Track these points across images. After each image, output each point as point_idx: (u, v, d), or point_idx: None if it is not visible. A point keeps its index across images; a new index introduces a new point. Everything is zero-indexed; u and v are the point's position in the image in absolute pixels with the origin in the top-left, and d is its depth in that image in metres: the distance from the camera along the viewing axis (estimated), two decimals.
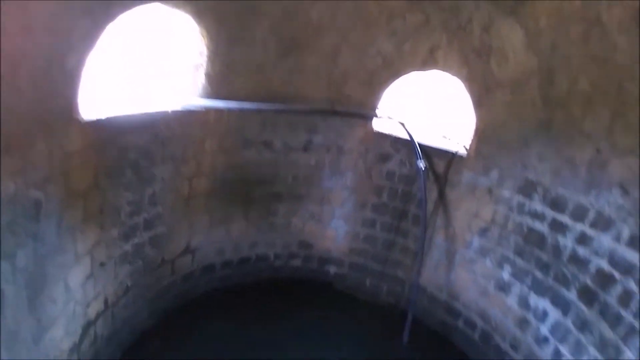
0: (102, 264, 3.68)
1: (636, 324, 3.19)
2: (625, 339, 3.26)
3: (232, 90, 4.42)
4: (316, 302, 5.78)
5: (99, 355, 3.77)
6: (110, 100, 3.51)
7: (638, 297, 3.24)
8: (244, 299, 5.41)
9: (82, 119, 3.01)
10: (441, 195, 5.25)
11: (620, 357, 3.25)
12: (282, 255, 5.87)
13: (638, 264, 3.29)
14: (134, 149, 3.71)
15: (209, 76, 4.25)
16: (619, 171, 3.52)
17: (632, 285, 3.29)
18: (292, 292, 5.77)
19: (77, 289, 3.36)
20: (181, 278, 4.92)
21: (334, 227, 5.90)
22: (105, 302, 3.82)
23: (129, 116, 3.52)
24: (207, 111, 4.31)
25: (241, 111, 4.60)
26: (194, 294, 5.17)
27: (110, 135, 3.40)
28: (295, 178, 5.51)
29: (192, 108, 4.12)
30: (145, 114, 3.71)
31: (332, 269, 6.04)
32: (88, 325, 3.56)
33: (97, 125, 3.19)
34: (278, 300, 5.57)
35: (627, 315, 3.28)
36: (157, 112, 3.83)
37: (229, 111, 4.52)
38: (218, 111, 4.44)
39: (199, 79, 4.28)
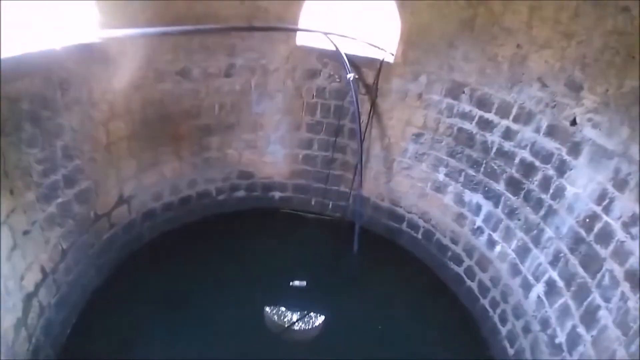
0: (25, 232, 3.34)
1: (554, 204, 3.56)
2: (545, 218, 3.67)
3: (131, 16, 3.83)
4: (266, 228, 5.87)
5: (52, 324, 3.60)
6: None
7: (554, 180, 3.58)
8: (193, 238, 5.33)
9: None
10: (373, 106, 5.23)
11: (542, 236, 3.68)
12: (224, 188, 5.73)
13: (555, 151, 3.58)
14: (27, 98, 3.18)
15: (100, 3, 3.62)
16: (538, 65, 3.66)
17: (550, 171, 3.62)
18: (240, 223, 5.77)
19: (2, 264, 3.06)
20: (121, 229, 4.68)
21: (271, 153, 5.78)
22: (42, 270, 3.54)
23: (9, 60, 2.95)
24: (105, 44, 3.74)
25: (145, 39, 4.06)
26: (139, 242, 4.99)
27: None
28: (222, 107, 5.18)
29: (87, 42, 3.55)
30: (31, 55, 3.12)
31: (277, 194, 6.06)
32: (28, 297, 3.32)
33: None
34: (228, 234, 5.56)
35: (546, 198, 3.66)
36: (45, 52, 3.25)
37: (132, 41, 3.97)
38: (119, 42, 3.88)
39: (90, 8, 3.64)
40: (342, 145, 5.65)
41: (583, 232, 3.20)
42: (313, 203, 6.12)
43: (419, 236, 5.40)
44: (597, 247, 3.04)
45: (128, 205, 4.70)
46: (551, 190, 3.61)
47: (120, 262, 4.69)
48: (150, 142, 4.71)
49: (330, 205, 6.09)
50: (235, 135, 5.47)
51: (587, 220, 3.16)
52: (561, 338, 3.30)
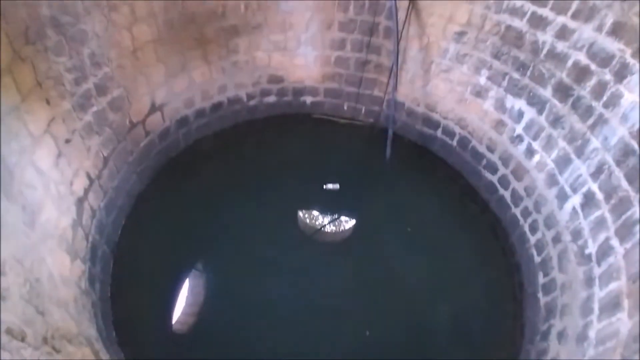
0: (67, 141, 3.48)
1: (606, 112, 3.28)
2: (592, 128, 3.41)
3: None
4: (298, 134, 5.87)
5: (103, 225, 3.94)
6: None
7: (610, 87, 3.25)
8: (226, 145, 5.44)
9: None
10: (412, 1, 4.72)
11: (586, 146, 3.46)
12: (255, 93, 5.62)
13: (617, 53, 3.18)
14: (45, 3, 3.07)
15: None
16: None
17: (607, 76, 3.26)
18: (272, 129, 5.78)
19: (51, 170, 3.26)
20: (157, 137, 4.78)
21: (302, 55, 5.50)
22: (88, 176, 3.77)
23: None
24: None
25: None
26: (176, 149, 5.13)
27: None
28: (247, 6, 4.83)
29: None
30: None
31: (308, 99, 5.90)
32: (80, 201, 3.59)
33: None
34: (260, 139, 5.63)
35: (598, 106, 3.36)
36: None
37: None
38: None
39: None
40: (377, 45, 5.28)
41: (634, 144, 2.98)
42: (345, 108, 5.96)
43: (454, 143, 5.24)
44: None
45: (161, 112, 4.74)
46: (604, 98, 3.29)
47: (159, 169, 4.89)
48: (177, 46, 4.56)
49: (363, 110, 5.92)
50: (263, 37, 5.19)
51: None
52: (592, 249, 3.29)
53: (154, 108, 4.62)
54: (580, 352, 2.96)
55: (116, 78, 3.98)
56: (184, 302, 4.03)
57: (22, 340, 1.96)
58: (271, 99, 5.77)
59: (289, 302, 4.06)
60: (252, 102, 5.68)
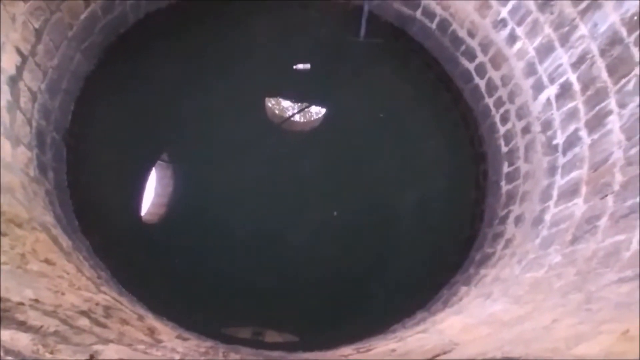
0: None
1: None
2: (583, 13, 3.18)
3: None
4: (264, 9, 5.24)
5: (49, 110, 3.54)
6: None
7: None
8: (184, 19, 4.77)
9: None
10: None
11: (573, 33, 3.27)
12: None
13: None
14: None
15: None
16: None
17: None
18: (235, 2, 5.11)
19: None
20: (101, 9, 4.07)
21: None
22: (18, 51, 3.25)
23: None
24: None
25: None
26: (125, 24, 4.45)
27: None
28: None
29: None
30: None
31: None
32: (12, 80, 3.15)
33: None
34: (222, 14, 4.99)
35: None
36: None
37: None
38: None
39: None
40: None
41: (624, 32, 2.81)
42: None
43: (433, 26, 4.85)
44: (634, 50, 2.72)
45: None
46: None
47: (109, 47, 4.29)
48: None
49: None
50: None
51: (636, 18, 2.73)
52: (559, 140, 3.33)
53: None
54: (534, 233, 3.17)
55: None
56: (147, 188, 3.93)
57: None
58: None
59: (256, 187, 4.05)
60: None
